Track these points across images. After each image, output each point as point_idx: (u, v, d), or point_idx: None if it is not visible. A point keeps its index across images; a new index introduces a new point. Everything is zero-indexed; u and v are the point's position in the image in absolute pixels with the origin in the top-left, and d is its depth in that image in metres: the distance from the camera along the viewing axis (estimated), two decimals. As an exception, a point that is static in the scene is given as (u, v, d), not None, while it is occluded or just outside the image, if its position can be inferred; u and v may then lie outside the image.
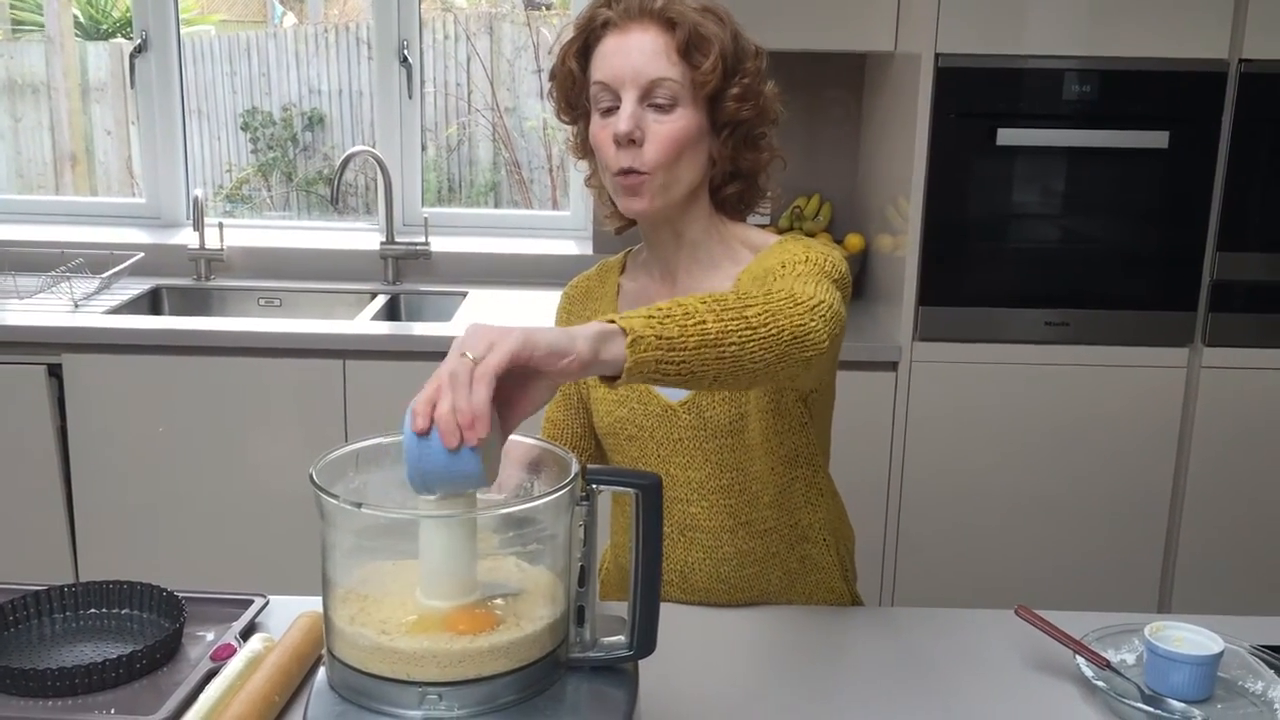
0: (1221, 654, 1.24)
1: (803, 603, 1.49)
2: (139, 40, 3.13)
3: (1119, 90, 2.42)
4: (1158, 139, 2.43)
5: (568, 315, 1.56)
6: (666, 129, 1.34)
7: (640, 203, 1.36)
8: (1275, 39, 2.38)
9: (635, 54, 1.33)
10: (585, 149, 1.45)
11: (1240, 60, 2.40)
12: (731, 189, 1.44)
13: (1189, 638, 1.26)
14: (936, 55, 2.39)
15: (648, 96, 1.34)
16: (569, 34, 1.41)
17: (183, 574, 2.41)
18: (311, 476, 0.96)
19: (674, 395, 1.42)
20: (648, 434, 1.44)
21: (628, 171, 1.35)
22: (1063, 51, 2.40)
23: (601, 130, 1.36)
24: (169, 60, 3.17)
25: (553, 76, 1.44)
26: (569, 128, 1.48)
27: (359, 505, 0.93)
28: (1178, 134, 2.43)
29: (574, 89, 1.42)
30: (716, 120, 1.38)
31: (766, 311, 1.12)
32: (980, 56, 2.40)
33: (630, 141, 1.33)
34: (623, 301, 1.51)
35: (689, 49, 1.33)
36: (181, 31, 3.21)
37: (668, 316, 1.05)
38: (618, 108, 1.35)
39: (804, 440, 1.44)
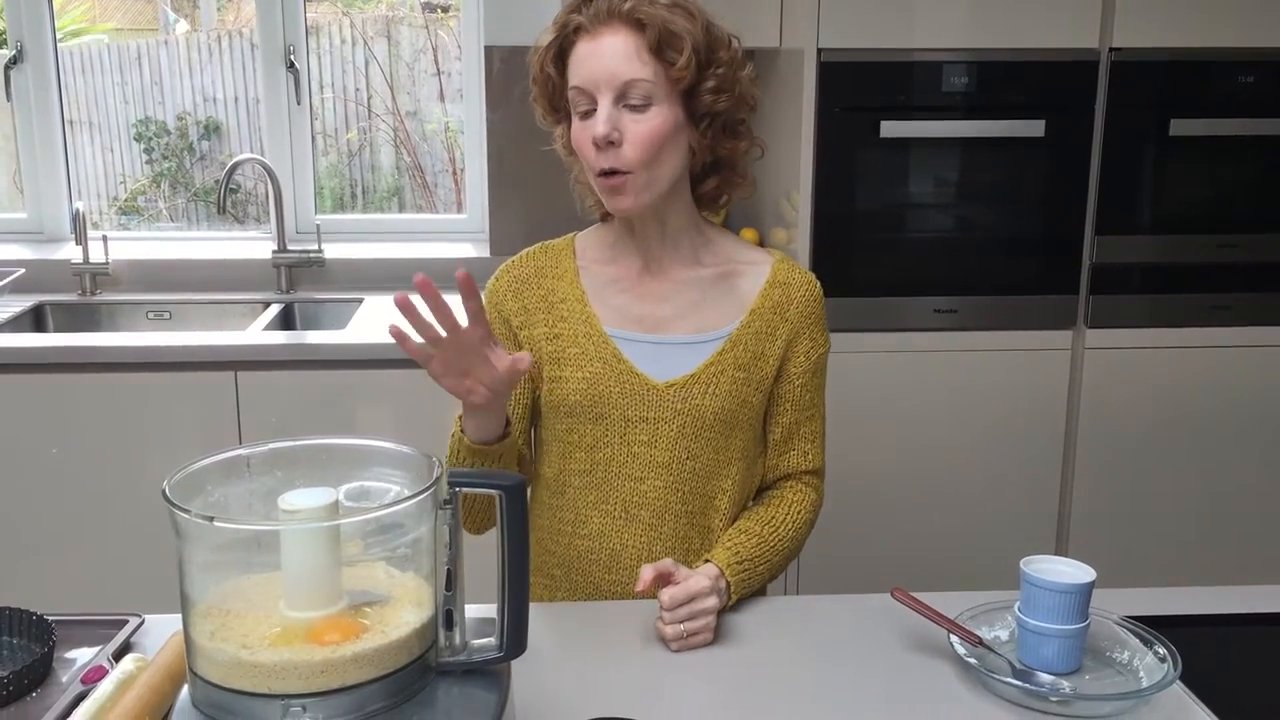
0: (1088, 626, 1.28)
1: None
2: (13, 52, 3.05)
3: (997, 81, 2.47)
4: (1035, 128, 2.49)
5: (516, 296, 1.52)
6: (643, 128, 1.38)
7: (625, 201, 1.41)
8: (1142, 29, 2.46)
9: (608, 57, 1.37)
10: (570, 151, 1.49)
11: (1110, 49, 2.47)
12: (711, 182, 1.49)
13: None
14: (819, 50, 2.43)
15: (623, 98, 1.38)
16: (544, 39, 1.44)
17: (79, 596, 2.35)
18: (165, 492, 0.94)
19: (659, 376, 1.47)
20: (619, 412, 1.47)
21: (609, 172, 1.40)
22: (941, 45, 2.45)
23: (581, 133, 1.41)
24: (46, 71, 3.09)
25: (534, 82, 1.47)
26: (555, 129, 1.51)
27: (211, 519, 0.92)
28: (1054, 122, 2.49)
29: (554, 94, 1.45)
30: (694, 112, 1.42)
31: (797, 539, 1.53)
32: (861, 51, 2.43)
33: (609, 143, 1.38)
34: (589, 284, 1.52)
35: (660, 47, 1.37)
36: (69, 42, 3.13)
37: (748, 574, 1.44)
38: (595, 110, 1.39)
39: (762, 454, 1.56)
